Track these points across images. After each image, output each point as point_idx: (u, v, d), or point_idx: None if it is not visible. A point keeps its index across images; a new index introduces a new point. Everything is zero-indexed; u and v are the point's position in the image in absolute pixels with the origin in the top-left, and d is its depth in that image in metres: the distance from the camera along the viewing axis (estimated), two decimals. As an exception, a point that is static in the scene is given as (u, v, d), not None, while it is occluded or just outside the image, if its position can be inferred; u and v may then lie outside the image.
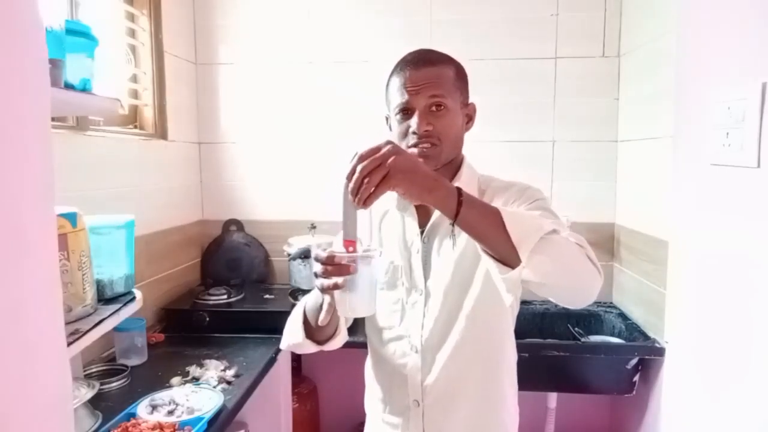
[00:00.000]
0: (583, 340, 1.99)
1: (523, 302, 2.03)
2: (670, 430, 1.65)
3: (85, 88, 0.99)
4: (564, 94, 2.16)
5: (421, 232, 1.10)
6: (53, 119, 1.45)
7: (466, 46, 2.13)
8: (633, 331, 1.87)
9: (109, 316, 0.96)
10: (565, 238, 0.88)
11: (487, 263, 0.89)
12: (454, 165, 1.10)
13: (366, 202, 0.83)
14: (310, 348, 1.10)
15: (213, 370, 1.54)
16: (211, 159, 2.35)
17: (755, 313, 1.20)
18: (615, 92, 2.14)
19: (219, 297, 2.01)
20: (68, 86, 0.94)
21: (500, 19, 2.15)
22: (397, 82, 1.05)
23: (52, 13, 0.91)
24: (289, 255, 2.11)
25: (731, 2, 1.33)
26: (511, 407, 1.15)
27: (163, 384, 1.46)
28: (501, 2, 2.15)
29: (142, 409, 1.26)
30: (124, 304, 1.03)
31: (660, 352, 1.70)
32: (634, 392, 1.80)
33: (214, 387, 1.43)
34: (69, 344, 0.79)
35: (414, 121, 1.02)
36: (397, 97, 1.04)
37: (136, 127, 2.00)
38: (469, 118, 1.12)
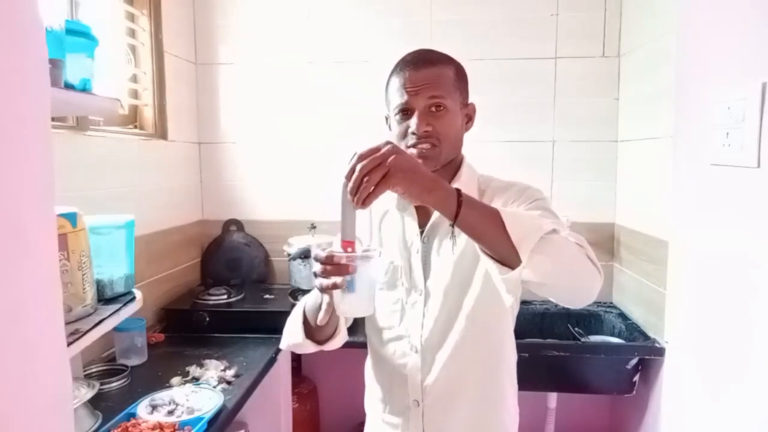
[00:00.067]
0: (583, 340, 1.99)
1: (523, 302, 2.03)
2: (670, 430, 1.65)
3: (85, 88, 0.99)
4: (564, 94, 2.16)
5: (421, 232, 1.10)
6: (53, 119, 1.45)
7: (466, 46, 2.13)
8: (633, 331, 1.87)
9: (109, 316, 0.96)
10: (565, 237, 0.88)
11: (487, 264, 0.89)
12: (454, 165, 1.10)
13: (365, 202, 0.83)
14: (309, 348, 1.10)
15: (213, 370, 1.54)
16: (211, 159, 2.35)
17: (755, 313, 1.20)
18: (615, 92, 2.14)
19: (219, 297, 2.01)
20: (68, 86, 0.94)
21: (500, 19, 2.15)
22: (396, 82, 1.05)
23: (52, 13, 0.91)
24: (289, 255, 2.11)
25: (731, 2, 1.33)
26: (511, 407, 1.15)
27: (163, 384, 1.46)
28: (501, 2, 2.15)
29: (142, 409, 1.26)
30: (124, 304, 1.03)
31: (660, 352, 1.70)
32: (634, 392, 1.80)
33: (214, 387, 1.43)
34: (69, 344, 0.79)
35: (413, 122, 1.02)
36: (397, 98, 1.04)
37: (136, 127, 2.00)
38: (469, 119, 1.11)
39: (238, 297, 2.05)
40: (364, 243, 1.03)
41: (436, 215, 1.09)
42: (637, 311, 1.96)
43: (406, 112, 1.04)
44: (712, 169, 1.36)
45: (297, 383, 2.16)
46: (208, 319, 1.90)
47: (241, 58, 2.29)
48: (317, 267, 0.90)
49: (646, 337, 1.79)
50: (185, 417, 1.23)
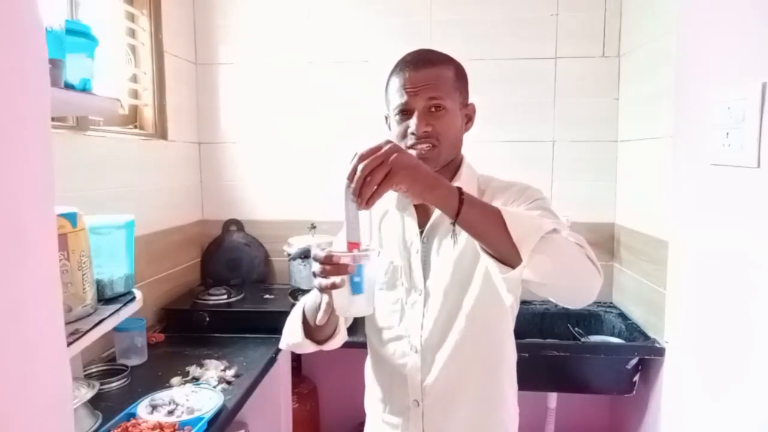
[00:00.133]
0: (583, 340, 1.99)
1: (523, 302, 2.03)
2: (670, 430, 1.65)
3: (85, 88, 0.99)
4: (564, 94, 2.16)
5: (421, 233, 1.10)
6: (53, 119, 1.45)
7: (466, 46, 2.13)
8: (633, 331, 1.87)
9: (109, 316, 0.96)
10: (565, 238, 0.88)
11: (488, 263, 0.89)
12: (454, 165, 1.10)
13: (369, 202, 0.82)
14: (309, 348, 1.10)
15: (213, 370, 1.54)
16: (211, 159, 2.35)
17: (755, 313, 1.20)
18: (615, 92, 2.14)
19: (219, 297, 2.01)
20: (68, 86, 0.94)
21: (500, 19, 2.15)
22: (396, 82, 1.05)
23: (52, 13, 0.91)
24: (289, 255, 2.11)
25: (731, 2, 1.33)
26: (511, 407, 1.15)
27: (163, 384, 1.46)
28: (501, 2, 2.15)
29: (142, 409, 1.26)
30: (124, 304, 1.03)
31: (660, 352, 1.70)
32: (634, 392, 1.80)
33: (214, 387, 1.43)
34: (69, 344, 0.79)
35: (413, 122, 1.02)
36: (397, 98, 1.04)
37: (136, 127, 2.00)
38: (469, 119, 1.11)
39: (238, 297, 2.05)
40: (364, 243, 1.03)
41: (435, 215, 1.09)
42: (637, 311, 1.96)
43: (405, 112, 1.04)
44: (712, 169, 1.36)
45: (297, 383, 2.16)
46: (208, 319, 1.90)
47: (241, 58, 2.29)
48: (316, 267, 0.90)
49: (646, 337, 1.79)
50: (185, 417, 1.23)
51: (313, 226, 2.17)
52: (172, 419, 1.22)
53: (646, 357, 1.75)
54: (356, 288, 0.89)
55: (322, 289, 0.91)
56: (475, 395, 1.09)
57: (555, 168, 2.20)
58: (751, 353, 1.21)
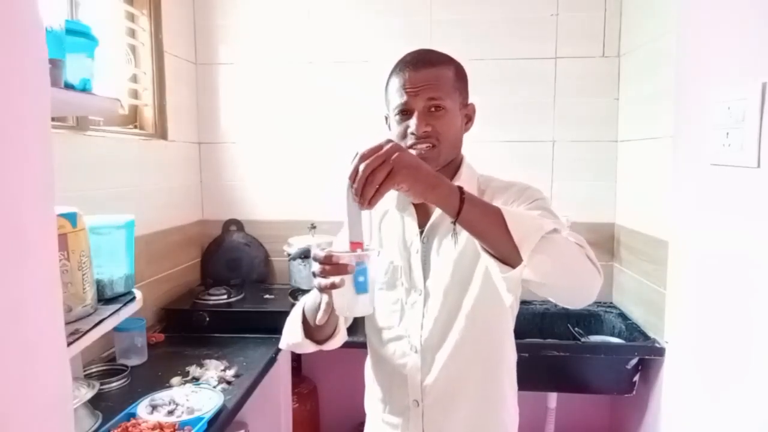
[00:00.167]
0: (583, 340, 1.99)
1: (523, 302, 2.03)
2: (670, 430, 1.65)
3: (85, 88, 0.99)
4: (564, 94, 2.16)
5: (421, 233, 1.10)
6: (53, 119, 1.45)
7: (466, 46, 2.13)
8: (633, 331, 1.87)
9: (109, 316, 0.96)
10: (566, 238, 0.88)
11: (488, 262, 0.89)
12: (454, 165, 1.10)
13: (371, 202, 0.82)
14: (309, 347, 1.10)
15: (213, 370, 1.54)
16: (211, 159, 2.35)
17: (755, 313, 1.20)
18: (615, 92, 2.14)
19: (219, 297, 2.01)
20: (68, 86, 0.94)
21: (500, 19, 2.15)
22: (396, 82, 1.05)
23: (52, 13, 0.91)
24: (289, 255, 2.11)
25: (731, 2, 1.33)
26: (510, 407, 1.15)
27: (163, 384, 1.46)
28: (501, 2, 2.15)
29: (142, 409, 1.26)
30: (124, 304, 1.03)
31: (660, 352, 1.70)
32: (634, 392, 1.80)
33: (214, 387, 1.43)
34: (69, 344, 0.79)
35: (413, 122, 1.02)
36: (396, 98, 1.04)
37: (136, 127, 2.00)
38: (469, 119, 1.11)
39: (238, 297, 2.05)
40: (365, 243, 1.03)
41: (435, 215, 1.09)
42: (637, 311, 1.96)
43: (405, 112, 1.04)
44: (712, 169, 1.36)
45: (297, 383, 2.16)
46: (208, 319, 1.90)
47: (241, 58, 2.29)
48: (316, 267, 0.90)
49: (646, 337, 1.79)
50: (185, 417, 1.23)
51: (313, 226, 2.17)
52: (172, 419, 1.22)
53: (646, 357, 1.75)
54: (361, 287, 0.89)
55: (322, 289, 0.91)
56: (475, 395, 1.09)
57: (555, 168, 2.20)
58: (751, 353, 1.21)
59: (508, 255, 0.85)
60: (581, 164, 2.18)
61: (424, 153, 1.02)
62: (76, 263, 0.91)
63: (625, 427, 2.08)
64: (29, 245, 0.45)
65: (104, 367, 1.56)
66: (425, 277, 1.09)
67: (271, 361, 1.68)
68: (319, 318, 0.98)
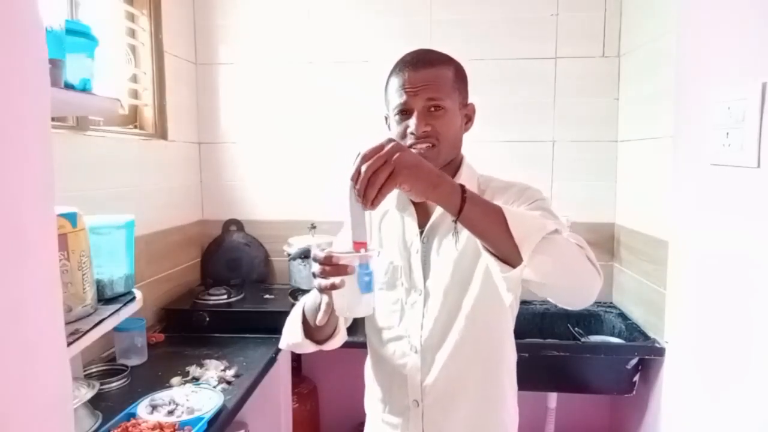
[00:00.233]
0: (583, 340, 1.99)
1: (523, 302, 2.03)
2: (670, 430, 1.65)
3: (85, 88, 0.99)
4: (564, 94, 2.16)
5: (421, 233, 1.10)
6: (53, 119, 1.45)
7: (466, 46, 2.13)
8: (633, 331, 1.87)
9: (109, 316, 0.96)
10: (566, 239, 0.88)
11: (488, 261, 0.89)
12: (454, 165, 1.10)
13: (374, 202, 0.82)
14: (309, 348, 1.10)
15: (213, 370, 1.54)
16: (211, 159, 2.35)
17: (755, 313, 1.20)
18: (615, 92, 2.14)
19: (219, 297, 2.01)
20: (68, 86, 0.94)
21: (500, 19, 2.15)
22: (395, 82, 1.05)
23: (52, 13, 0.91)
24: (289, 255, 2.11)
25: (731, 2, 1.33)
26: (510, 407, 1.15)
27: (163, 384, 1.46)
28: (501, 2, 2.15)
29: (142, 409, 1.26)
30: (124, 304, 1.03)
31: (660, 352, 1.70)
32: (634, 392, 1.80)
33: (214, 387, 1.43)
34: (69, 344, 0.79)
35: (412, 122, 1.02)
36: (396, 98, 1.04)
37: (136, 127, 2.00)
38: (469, 119, 1.11)
39: (238, 297, 2.05)
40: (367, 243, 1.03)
41: (435, 215, 1.09)
42: (637, 311, 1.96)
43: (405, 112, 1.04)
44: (712, 169, 1.36)
45: (297, 383, 2.16)
46: (208, 319, 1.90)
47: (241, 58, 2.29)
48: (316, 267, 0.90)
49: (646, 337, 1.79)
50: (185, 417, 1.23)
51: (313, 226, 2.17)
52: (172, 419, 1.22)
53: (646, 357, 1.75)
54: (361, 288, 0.89)
55: (322, 290, 0.91)
56: (475, 395, 1.09)
57: (555, 168, 2.20)
58: (751, 353, 1.21)
59: (508, 254, 0.85)
60: (581, 164, 2.18)
61: (423, 153, 1.01)
62: (76, 263, 0.91)
63: (625, 427, 2.08)
64: (29, 245, 0.45)
65: (104, 367, 1.56)
66: (425, 277, 1.09)
67: (271, 361, 1.68)
68: (319, 319, 0.98)
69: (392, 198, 1.13)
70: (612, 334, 2.00)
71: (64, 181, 1.41)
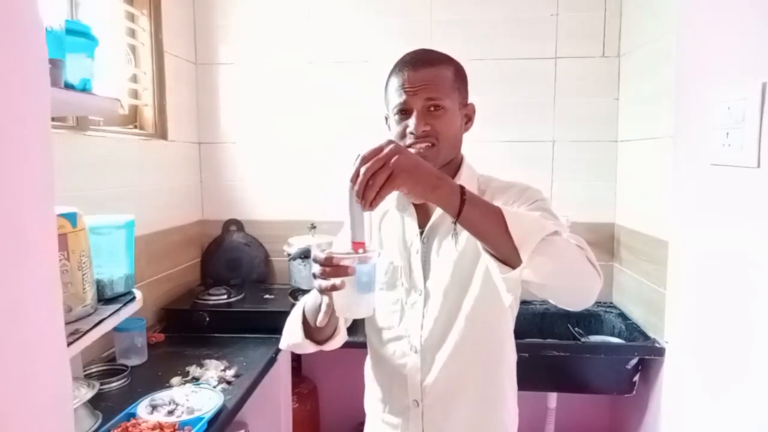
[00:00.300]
0: (583, 340, 1.99)
1: (523, 302, 2.03)
2: (670, 430, 1.65)
3: (85, 88, 0.99)
4: (564, 94, 2.16)
5: (421, 233, 1.10)
6: (53, 119, 1.45)
7: (466, 46, 2.13)
8: (633, 331, 1.87)
9: (109, 316, 0.96)
10: (566, 239, 0.88)
11: (488, 262, 0.89)
12: (454, 165, 1.10)
13: (373, 204, 0.83)
14: (309, 348, 1.10)
15: (213, 370, 1.54)
16: (211, 159, 2.35)
17: (755, 313, 1.20)
18: (615, 92, 2.14)
19: (219, 297, 2.01)
20: (68, 86, 0.94)
21: (500, 19, 2.15)
22: (395, 82, 1.05)
23: (52, 13, 0.91)
24: (289, 255, 2.11)
25: (731, 2, 1.33)
26: (510, 407, 1.15)
27: (163, 384, 1.46)
28: (501, 2, 2.15)
29: (142, 409, 1.26)
30: (124, 304, 1.03)
31: (660, 352, 1.70)
32: (634, 392, 1.80)
33: (214, 387, 1.43)
34: (69, 344, 0.79)
35: (412, 122, 1.02)
36: (396, 98, 1.04)
37: (136, 127, 2.00)
38: (468, 119, 1.11)
39: (238, 297, 2.05)
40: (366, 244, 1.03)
41: (435, 216, 1.09)
42: (637, 311, 1.96)
43: (404, 112, 1.04)
44: (712, 169, 1.36)
45: (297, 383, 2.16)
46: (208, 319, 1.90)
47: (241, 58, 2.29)
48: (316, 268, 0.90)
49: (646, 337, 1.79)
50: (185, 417, 1.23)
51: (313, 226, 2.17)
52: (172, 419, 1.22)
53: (646, 357, 1.75)
54: (361, 289, 0.89)
55: (323, 291, 0.91)
56: (475, 395, 1.09)
57: (555, 168, 2.20)
58: (751, 353, 1.21)
59: (508, 255, 0.85)
60: (581, 164, 2.18)
61: (423, 152, 1.01)
62: (76, 263, 0.91)
63: (625, 427, 2.08)
64: (29, 245, 0.45)
65: (104, 367, 1.56)
66: (425, 278, 1.09)
67: (271, 361, 1.68)
68: (320, 320, 0.98)
69: (392, 198, 1.13)
70: (612, 334, 2.00)
71: (64, 181, 1.41)
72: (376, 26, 2.21)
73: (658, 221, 1.75)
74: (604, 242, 2.18)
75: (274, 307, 1.96)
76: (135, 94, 1.99)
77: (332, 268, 0.88)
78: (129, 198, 1.80)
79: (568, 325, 2.09)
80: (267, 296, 2.09)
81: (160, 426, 1.18)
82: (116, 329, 1.53)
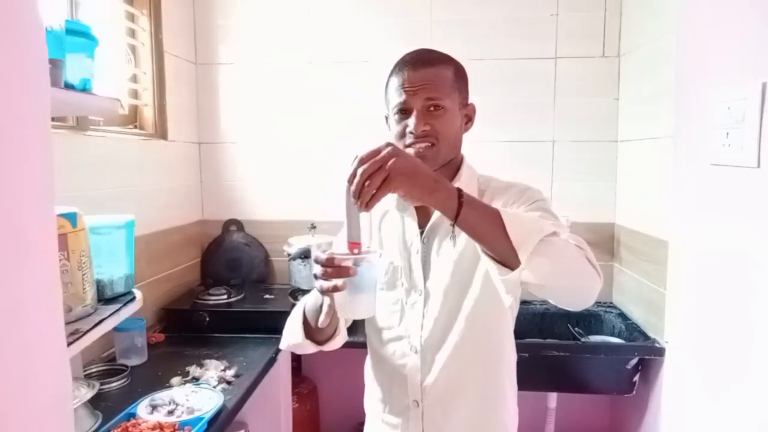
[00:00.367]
0: (583, 340, 1.99)
1: (523, 302, 2.03)
2: (670, 430, 1.65)
3: (85, 88, 0.99)
4: (564, 94, 2.16)
5: (421, 233, 1.10)
6: (53, 119, 1.45)
7: (466, 46, 2.13)
8: (633, 331, 1.87)
9: (109, 316, 0.96)
10: (565, 240, 0.88)
11: (487, 264, 0.89)
12: (454, 165, 1.10)
13: (368, 205, 0.83)
14: (309, 348, 1.10)
15: (213, 370, 1.54)
16: (211, 159, 2.35)
17: (755, 313, 1.20)
18: (615, 92, 2.14)
19: (219, 297, 2.01)
20: (68, 86, 0.94)
21: (500, 19, 2.15)
22: (395, 82, 1.05)
23: (52, 13, 0.91)
24: (289, 255, 2.11)
25: (731, 2, 1.33)
26: (510, 407, 1.15)
27: (163, 384, 1.46)
28: (501, 2, 2.15)
29: (142, 409, 1.26)
30: (124, 304, 1.03)
31: (660, 352, 1.70)
32: (634, 392, 1.80)
33: (214, 387, 1.43)
34: (69, 344, 0.79)
35: (411, 121, 1.02)
36: (396, 97, 1.04)
37: (136, 127, 2.00)
38: (469, 119, 1.11)
39: (238, 297, 2.05)
40: (365, 244, 1.03)
41: (436, 216, 1.09)
42: (637, 311, 1.96)
43: (404, 111, 1.04)
44: (712, 169, 1.36)
45: (297, 383, 2.16)
46: (208, 319, 1.90)
47: (241, 58, 2.29)
48: (318, 269, 0.90)
49: (646, 337, 1.79)
50: (185, 417, 1.23)
51: (313, 226, 2.16)
52: (172, 419, 1.22)
53: (646, 357, 1.75)
54: (358, 290, 0.89)
55: (324, 292, 0.91)
56: (475, 396, 1.09)
57: (555, 168, 2.20)
58: (751, 353, 1.21)
59: (507, 257, 0.85)
60: (581, 164, 2.18)
61: (422, 152, 1.02)
62: (76, 263, 0.91)
63: (625, 427, 2.08)
64: (29, 245, 0.45)
65: (104, 367, 1.56)
66: (425, 278, 1.09)
67: (271, 361, 1.68)
68: (321, 321, 0.98)
69: (392, 198, 1.13)
70: (612, 334, 2.00)
71: (64, 181, 1.41)
72: (376, 26, 2.21)
73: (658, 221, 1.75)
74: (604, 242, 2.18)
75: (274, 307, 1.96)
76: (135, 94, 1.99)
77: (334, 268, 0.88)
78: (129, 198, 1.80)
79: (568, 325, 2.09)
80: (267, 296, 2.09)
81: (160, 426, 1.18)
82: (116, 329, 1.53)
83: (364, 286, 0.90)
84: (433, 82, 1.02)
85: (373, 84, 2.01)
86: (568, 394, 2.09)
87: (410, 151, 1.02)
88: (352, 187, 0.83)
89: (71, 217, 0.91)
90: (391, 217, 1.16)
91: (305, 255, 2.04)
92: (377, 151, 0.83)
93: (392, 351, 1.12)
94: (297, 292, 2.07)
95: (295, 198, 2.31)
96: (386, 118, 1.12)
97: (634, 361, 1.75)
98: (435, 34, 2.18)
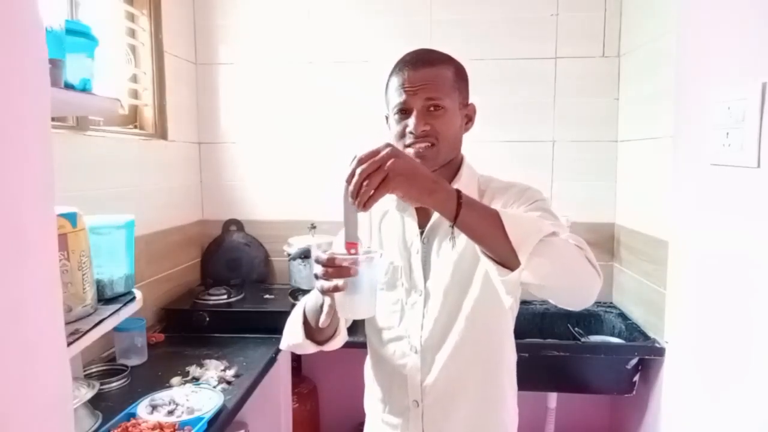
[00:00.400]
0: (583, 340, 1.99)
1: (523, 302, 2.03)
2: (670, 430, 1.65)
3: (85, 88, 0.99)
4: (564, 94, 2.16)
5: (421, 233, 1.10)
6: (53, 119, 1.45)
7: (466, 46, 2.13)
8: (633, 331, 1.87)
9: (109, 316, 0.96)
10: (565, 240, 0.88)
11: (487, 265, 0.89)
12: (454, 165, 1.10)
13: (366, 205, 0.83)
14: (309, 348, 1.10)
15: (213, 370, 1.54)
16: (211, 159, 2.35)
17: (755, 313, 1.20)
18: (615, 92, 2.14)
19: (219, 297, 2.01)
20: (68, 86, 0.94)
21: (500, 19, 2.15)
22: (395, 82, 1.05)
23: (52, 13, 0.91)
24: (289, 255, 2.11)
25: (731, 2, 1.33)
26: (510, 408, 1.15)
27: (163, 384, 1.46)
28: (501, 2, 2.15)
29: (142, 409, 1.26)
30: (124, 304, 1.03)
31: (660, 352, 1.70)
32: (634, 392, 1.80)
33: (214, 387, 1.43)
34: (69, 344, 0.79)
35: (411, 121, 1.02)
36: (396, 97, 1.04)
37: (136, 127, 2.00)
38: (469, 119, 1.11)
39: (238, 297, 2.05)
40: (364, 244, 1.03)
41: (436, 216, 1.08)
42: (637, 311, 1.96)
43: (404, 111, 1.04)
44: (712, 169, 1.36)
45: (297, 383, 2.16)
46: (208, 319, 1.90)
47: (241, 58, 2.29)
48: (318, 269, 0.90)
49: (646, 337, 1.79)
50: (185, 417, 1.23)
51: (313, 226, 2.17)
52: (172, 419, 1.22)
53: (646, 357, 1.75)
54: (358, 290, 0.89)
55: (324, 292, 0.91)
56: (475, 396, 1.09)
57: (555, 168, 2.20)
58: (751, 353, 1.21)
59: (506, 258, 0.85)
60: (581, 164, 2.18)
61: (422, 152, 1.02)
62: (76, 263, 0.91)
63: (625, 427, 2.08)
64: (29, 245, 0.45)
65: (104, 367, 1.56)
66: (425, 278, 1.09)
67: (271, 361, 1.68)
68: (322, 321, 0.98)
69: (392, 198, 1.13)
70: (612, 334, 2.00)
71: (64, 181, 1.41)
72: (376, 26, 2.21)
73: (658, 221, 1.75)
74: (604, 242, 2.18)
75: (274, 307, 1.96)
76: (135, 94, 1.99)
77: (334, 269, 0.88)
78: (129, 198, 1.80)
79: (568, 325, 2.09)
80: (267, 296, 2.09)
81: (160, 426, 1.18)
82: (116, 329, 1.53)
83: (365, 286, 0.90)
84: (433, 82, 1.02)
85: (373, 84, 2.00)
86: (568, 394, 2.09)
87: (410, 151, 1.02)
88: (351, 187, 0.83)
89: (71, 217, 0.91)
90: (391, 217, 1.16)
91: (305, 255, 2.04)
92: (376, 152, 0.83)
93: (392, 351, 1.12)
94: (297, 292, 2.07)
95: (295, 198, 2.31)
96: (386, 118, 1.12)
97: (634, 361, 1.75)
98: (435, 34, 2.18)
